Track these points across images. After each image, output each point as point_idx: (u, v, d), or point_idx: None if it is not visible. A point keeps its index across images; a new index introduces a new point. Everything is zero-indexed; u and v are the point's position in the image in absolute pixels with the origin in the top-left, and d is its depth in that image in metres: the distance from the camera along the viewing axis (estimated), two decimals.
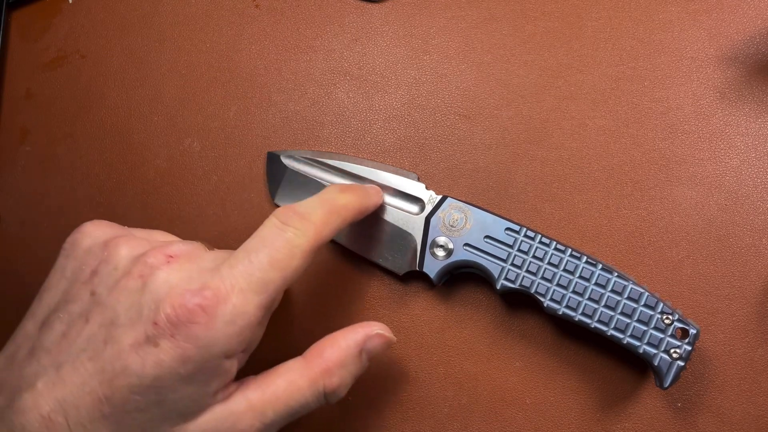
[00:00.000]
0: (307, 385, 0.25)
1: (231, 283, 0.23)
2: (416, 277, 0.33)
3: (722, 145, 0.32)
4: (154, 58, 0.39)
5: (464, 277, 0.33)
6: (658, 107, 0.33)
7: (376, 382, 0.33)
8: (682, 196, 0.32)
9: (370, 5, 0.37)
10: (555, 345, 0.32)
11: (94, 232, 0.27)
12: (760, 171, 0.32)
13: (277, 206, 0.35)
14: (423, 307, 0.33)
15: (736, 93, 0.33)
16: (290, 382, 0.25)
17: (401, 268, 0.32)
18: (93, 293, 0.24)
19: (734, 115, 0.33)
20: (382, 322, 0.33)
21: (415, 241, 0.32)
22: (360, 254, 0.33)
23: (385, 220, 0.32)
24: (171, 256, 0.24)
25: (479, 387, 0.32)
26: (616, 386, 0.31)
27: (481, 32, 0.35)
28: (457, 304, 0.33)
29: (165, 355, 0.22)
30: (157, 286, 0.23)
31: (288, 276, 0.24)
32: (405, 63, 0.36)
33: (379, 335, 0.27)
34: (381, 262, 0.32)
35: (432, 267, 0.31)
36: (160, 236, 0.29)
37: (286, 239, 0.25)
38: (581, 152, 0.33)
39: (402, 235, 0.32)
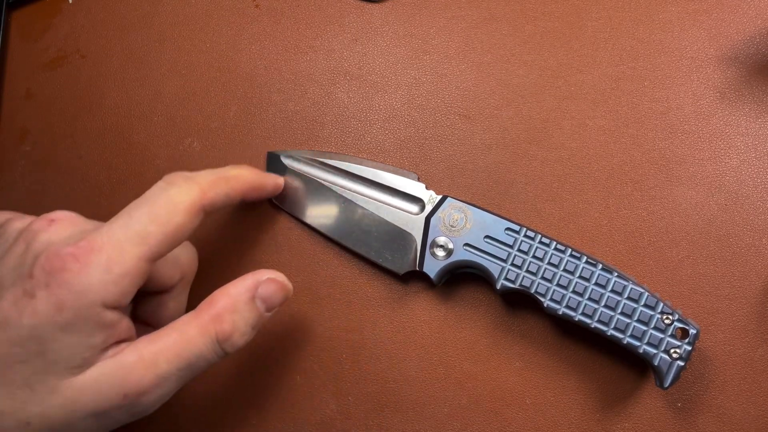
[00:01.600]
0: (198, 333, 0.25)
1: (108, 235, 0.24)
2: (416, 277, 0.33)
3: (722, 145, 0.32)
4: (154, 58, 0.39)
5: (464, 277, 0.33)
6: (658, 107, 0.33)
7: (375, 381, 0.33)
8: (682, 196, 0.32)
9: (370, 5, 0.37)
10: (555, 345, 0.32)
11: (10, 221, 0.28)
12: (760, 171, 0.32)
13: (278, 206, 0.35)
14: (423, 307, 0.33)
15: (736, 93, 0.33)
16: (181, 333, 0.25)
17: (401, 268, 0.32)
18: None
19: (734, 115, 0.33)
20: (382, 322, 0.33)
21: (415, 241, 0.32)
22: (360, 254, 0.33)
23: (385, 220, 0.32)
24: (53, 220, 0.25)
25: (479, 387, 0.32)
26: (616, 386, 0.31)
27: (481, 32, 0.35)
28: (457, 304, 0.33)
29: (41, 304, 0.23)
30: (37, 245, 0.24)
31: (169, 231, 0.25)
32: (405, 63, 0.36)
33: (270, 280, 0.27)
34: (381, 262, 0.32)
35: (432, 267, 0.31)
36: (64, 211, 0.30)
37: (167, 196, 0.25)
38: (581, 152, 0.33)
39: (402, 235, 0.32)
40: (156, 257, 0.25)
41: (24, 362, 0.23)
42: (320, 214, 0.34)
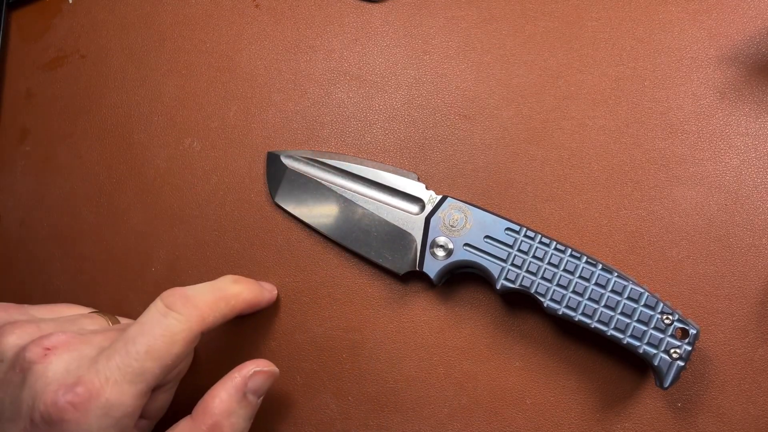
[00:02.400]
0: None
1: (105, 376, 0.23)
2: (416, 277, 0.33)
3: (722, 145, 0.32)
4: (154, 58, 0.39)
5: (464, 277, 0.33)
6: (658, 107, 0.33)
7: (375, 381, 0.33)
8: (682, 196, 0.32)
9: (370, 5, 0.37)
10: (555, 345, 0.32)
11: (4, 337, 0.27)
12: (760, 171, 0.32)
13: (278, 206, 0.35)
14: (423, 307, 0.33)
15: (736, 93, 0.33)
16: None
17: (401, 268, 0.32)
18: None
19: (734, 115, 0.33)
20: (382, 322, 0.33)
21: (415, 241, 0.32)
22: (360, 254, 0.33)
23: (385, 220, 0.32)
24: (48, 348, 0.25)
25: (479, 387, 0.32)
26: (616, 386, 0.31)
27: (481, 32, 0.35)
28: (457, 304, 0.33)
29: None
30: (33, 381, 0.24)
31: (167, 363, 0.25)
32: (405, 63, 0.36)
33: (257, 372, 0.28)
34: (381, 262, 0.32)
35: (432, 267, 0.31)
36: (62, 310, 0.29)
37: (166, 326, 0.25)
38: (581, 152, 0.33)
39: (402, 235, 0.32)
40: (153, 387, 0.25)
41: None
42: (320, 214, 0.34)
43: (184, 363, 0.30)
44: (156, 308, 0.25)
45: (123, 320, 0.32)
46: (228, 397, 0.27)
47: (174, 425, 0.27)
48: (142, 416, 0.29)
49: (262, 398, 0.28)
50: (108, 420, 0.23)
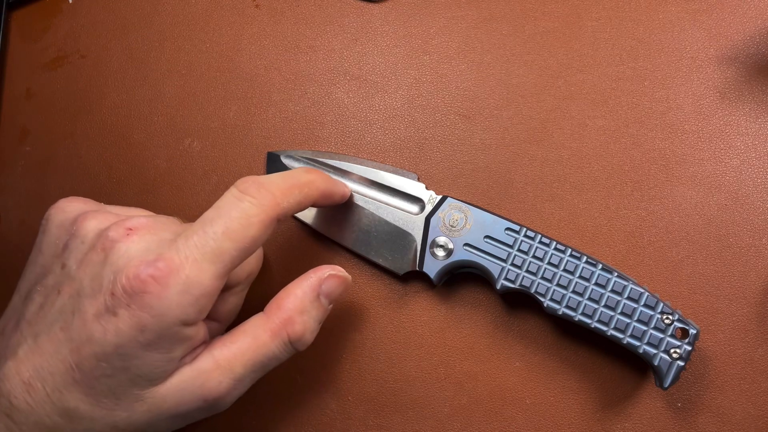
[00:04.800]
0: (270, 338, 0.26)
1: (185, 254, 0.24)
2: (416, 277, 0.33)
3: (722, 145, 0.32)
4: (154, 58, 0.39)
5: (464, 277, 0.33)
6: (658, 107, 0.33)
7: (375, 381, 0.33)
8: (682, 196, 0.32)
9: (370, 5, 0.37)
10: (555, 345, 0.32)
11: (67, 208, 0.28)
12: (760, 171, 0.32)
13: None
14: (423, 307, 0.33)
15: (736, 93, 0.33)
16: (254, 338, 0.26)
17: (401, 268, 0.32)
18: (64, 266, 0.26)
19: (734, 115, 0.33)
20: (382, 322, 0.33)
21: (415, 241, 0.32)
22: (360, 254, 0.33)
23: (385, 220, 0.32)
24: (130, 229, 0.25)
25: (479, 387, 0.32)
26: (616, 386, 0.31)
27: (481, 32, 0.35)
28: (457, 304, 0.33)
29: (123, 323, 0.23)
30: (116, 259, 0.24)
31: (245, 246, 0.25)
32: (405, 63, 0.36)
33: (332, 276, 0.28)
34: (381, 262, 0.32)
35: (432, 267, 0.31)
36: (136, 212, 0.30)
37: (242, 209, 0.25)
38: (581, 152, 0.33)
39: (402, 235, 0.32)
40: (230, 271, 0.25)
41: (109, 376, 0.24)
42: (320, 214, 0.34)
43: (254, 264, 0.31)
44: (231, 194, 0.26)
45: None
46: (303, 294, 0.27)
47: (247, 320, 0.27)
48: (213, 318, 0.29)
49: (332, 305, 0.29)
50: (187, 297, 0.24)
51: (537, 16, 0.35)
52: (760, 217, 0.31)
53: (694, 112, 0.33)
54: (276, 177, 0.27)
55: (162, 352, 0.24)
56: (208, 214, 0.25)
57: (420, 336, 0.33)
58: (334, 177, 0.33)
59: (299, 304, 0.27)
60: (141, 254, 0.24)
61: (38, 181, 0.38)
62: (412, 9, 0.36)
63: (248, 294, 0.31)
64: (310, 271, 0.28)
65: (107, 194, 0.37)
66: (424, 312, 0.33)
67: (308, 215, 0.34)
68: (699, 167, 0.32)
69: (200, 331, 0.26)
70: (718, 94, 0.33)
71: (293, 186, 0.27)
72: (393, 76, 0.36)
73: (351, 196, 0.33)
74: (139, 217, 0.26)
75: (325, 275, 0.28)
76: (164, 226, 0.26)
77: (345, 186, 0.32)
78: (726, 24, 0.33)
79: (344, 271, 0.29)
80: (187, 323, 0.24)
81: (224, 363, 0.26)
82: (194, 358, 0.26)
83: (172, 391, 0.25)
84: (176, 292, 0.23)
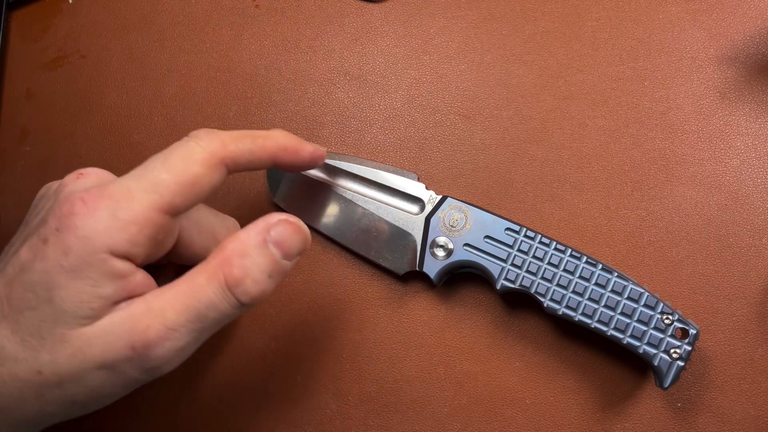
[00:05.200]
0: (205, 281, 0.24)
1: (120, 183, 0.24)
2: (416, 277, 0.33)
3: (722, 145, 0.32)
4: (154, 58, 0.39)
5: (464, 277, 0.33)
6: (658, 107, 0.33)
7: (375, 381, 0.33)
8: (682, 196, 0.32)
9: (370, 5, 0.37)
10: (555, 345, 0.32)
11: (49, 184, 0.28)
12: (760, 171, 0.32)
13: (277, 206, 0.35)
14: (423, 307, 0.33)
15: (736, 93, 0.33)
16: (188, 282, 0.24)
17: (401, 268, 0.32)
18: (27, 223, 0.26)
19: (734, 115, 0.33)
20: (382, 322, 0.33)
21: (415, 241, 0.32)
22: (360, 254, 0.33)
23: (385, 220, 0.32)
24: (81, 173, 0.25)
25: (479, 387, 0.32)
26: (616, 386, 0.31)
27: (481, 32, 0.35)
28: (457, 304, 0.33)
29: (50, 248, 0.23)
30: (59, 196, 0.24)
31: (184, 180, 0.24)
32: (405, 63, 0.36)
33: (282, 221, 0.25)
34: (381, 262, 0.32)
35: (432, 267, 0.31)
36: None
37: (185, 146, 0.25)
38: (581, 152, 0.33)
39: (402, 235, 0.32)
40: (172, 209, 0.24)
41: (34, 309, 0.23)
42: (320, 214, 0.34)
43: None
44: (181, 140, 0.25)
45: None
46: (246, 237, 0.25)
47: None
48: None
49: (291, 262, 0.26)
50: (116, 222, 0.23)
51: (537, 16, 0.35)
52: (760, 217, 0.31)
53: (694, 112, 0.33)
54: (232, 130, 0.27)
55: (88, 284, 0.23)
56: (154, 156, 0.25)
57: (420, 336, 0.33)
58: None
59: (240, 246, 0.25)
60: (82, 187, 0.24)
61: (38, 181, 0.38)
62: (412, 9, 0.36)
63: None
64: (260, 217, 0.26)
65: None
66: (424, 312, 0.33)
67: (308, 215, 0.34)
68: (699, 167, 0.32)
69: (137, 274, 0.24)
70: (718, 94, 0.33)
71: (245, 135, 0.26)
72: (393, 76, 0.36)
73: (348, 192, 0.33)
74: (95, 168, 0.26)
75: (275, 220, 0.25)
76: (114, 175, 0.26)
77: (318, 149, 0.29)
78: (726, 24, 0.33)
79: (300, 221, 0.26)
80: (115, 252, 0.23)
81: (156, 307, 0.23)
82: (128, 305, 0.24)
83: (98, 334, 0.23)
84: (104, 215, 0.23)
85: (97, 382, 0.23)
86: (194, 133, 0.26)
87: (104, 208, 0.23)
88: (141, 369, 0.24)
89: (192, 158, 0.24)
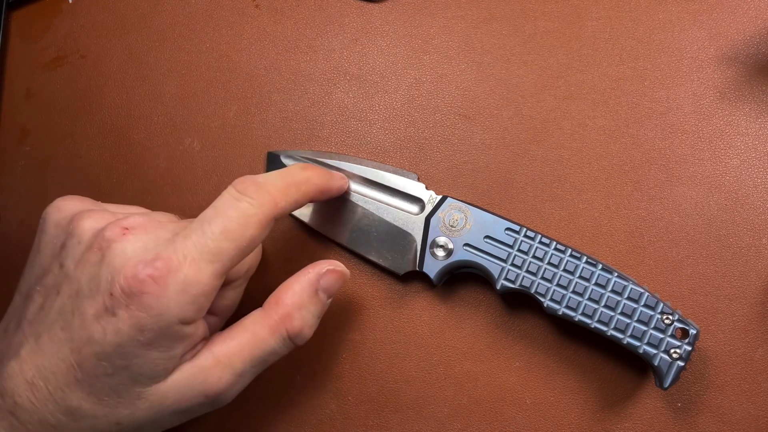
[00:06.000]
0: (269, 334, 0.27)
1: (183, 253, 0.24)
2: (416, 277, 0.33)
3: (722, 145, 0.32)
4: (154, 58, 0.39)
5: (464, 277, 0.33)
6: (658, 107, 0.33)
7: (375, 381, 0.33)
8: (682, 196, 0.32)
9: (370, 5, 0.37)
10: (555, 345, 0.32)
11: (63, 207, 0.28)
12: (760, 171, 0.32)
13: None
14: (423, 307, 0.33)
15: (736, 93, 0.33)
16: (253, 334, 0.26)
17: (401, 268, 0.32)
18: (62, 266, 0.26)
19: (734, 115, 0.33)
20: (382, 322, 0.33)
21: (415, 241, 0.32)
22: (360, 254, 0.33)
23: (385, 220, 0.32)
24: (127, 228, 0.25)
25: (479, 387, 0.32)
26: (616, 386, 0.31)
27: (481, 32, 0.35)
28: (457, 304, 0.33)
29: (122, 324, 0.23)
30: (112, 258, 0.24)
31: (243, 245, 0.25)
32: (405, 63, 0.36)
33: (330, 271, 0.28)
34: (381, 262, 0.32)
35: (432, 267, 0.31)
36: (133, 210, 0.30)
37: (240, 209, 0.25)
38: (581, 152, 0.33)
39: (402, 235, 0.32)
40: (228, 270, 0.25)
41: (110, 375, 0.24)
42: (320, 214, 0.34)
43: (253, 259, 0.31)
44: (229, 194, 0.26)
45: (191, 220, 0.32)
46: (301, 290, 0.27)
47: (245, 316, 0.27)
48: (212, 313, 0.30)
49: (331, 300, 0.29)
50: (186, 297, 0.24)
51: (537, 16, 0.35)
52: (760, 217, 0.31)
53: (694, 112, 0.33)
54: (273, 176, 0.27)
55: (162, 351, 0.24)
56: (206, 213, 0.25)
57: (420, 336, 0.33)
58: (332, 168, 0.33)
59: (297, 299, 0.27)
60: (138, 254, 0.24)
61: (38, 181, 0.38)
62: (412, 9, 0.36)
63: (247, 289, 0.31)
64: (309, 266, 0.28)
65: (107, 194, 0.37)
66: (424, 312, 0.33)
67: (308, 215, 0.34)
68: (699, 167, 0.32)
69: (199, 328, 0.26)
70: (718, 94, 0.33)
71: (290, 185, 0.27)
72: (393, 76, 0.36)
73: (349, 193, 0.33)
74: (135, 216, 0.26)
75: (324, 270, 0.28)
76: (161, 224, 0.26)
77: (342, 178, 0.32)
78: (726, 24, 0.33)
79: (342, 265, 0.29)
80: (186, 322, 0.24)
81: (224, 359, 0.26)
82: (194, 355, 0.26)
83: (173, 389, 0.25)
84: (175, 291, 0.23)
85: (170, 422, 0.26)
86: (241, 187, 0.26)
87: (173, 283, 0.24)
88: (210, 408, 0.27)
89: (248, 222, 0.25)
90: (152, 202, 0.37)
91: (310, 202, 0.30)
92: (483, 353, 0.32)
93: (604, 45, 0.34)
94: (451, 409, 0.32)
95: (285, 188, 0.27)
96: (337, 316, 0.34)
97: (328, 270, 0.28)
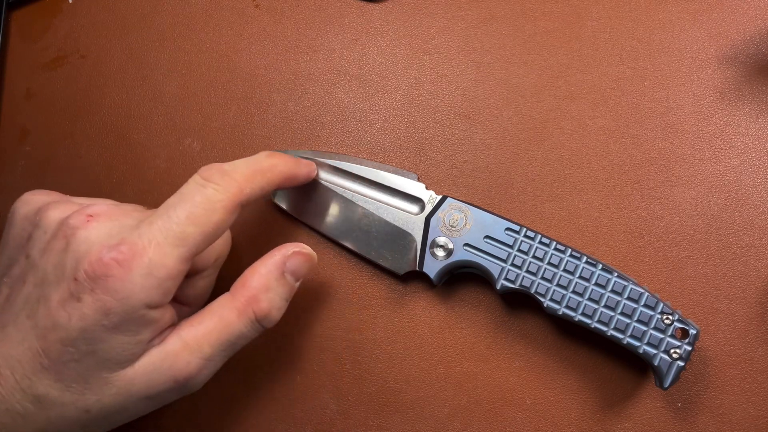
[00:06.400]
0: (236, 317, 0.27)
1: (148, 238, 0.24)
2: (416, 277, 0.33)
3: (722, 145, 0.32)
4: (154, 58, 0.39)
5: (464, 277, 0.33)
6: (658, 107, 0.33)
7: (375, 381, 0.33)
8: (682, 196, 0.32)
9: (370, 5, 0.37)
10: (555, 345, 0.32)
11: (31, 200, 0.28)
12: (760, 171, 0.32)
13: (277, 205, 0.35)
14: (423, 307, 0.33)
15: (736, 93, 0.33)
16: (221, 317, 0.27)
17: (401, 268, 0.32)
18: (28, 256, 0.26)
19: (734, 115, 0.33)
20: (382, 322, 0.33)
21: (415, 241, 0.32)
22: (360, 254, 0.33)
23: (385, 220, 0.32)
24: (91, 216, 0.25)
25: (479, 387, 0.32)
26: (616, 386, 0.31)
27: (481, 32, 0.35)
28: (457, 304, 0.33)
29: (87, 308, 0.23)
30: (77, 245, 0.24)
31: (208, 230, 0.25)
32: (405, 63, 0.36)
33: (296, 253, 0.28)
34: (381, 262, 0.32)
35: (432, 267, 0.31)
36: (102, 202, 0.30)
37: (205, 195, 0.25)
38: (581, 152, 0.33)
39: (402, 235, 0.32)
40: (195, 255, 0.25)
41: (77, 361, 0.24)
42: (320, 214, 0.34)
43: (222, 248, 0.31)
44: (194, 180, 0.26)
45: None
46: (267, 272, 0.28)
47: (213, 301, 0.27)
48: (183, 303, 0.30)
49: (299, 282, 0.29)
50: (151, 280, 0.24)
51: (537, 16, 0.35)
52: (760, 217, 0.31)
53: (694, 112, 0.33)
54: (239, 164, 0.28)
55: (129, 335, 0.24)
56: (171, 200, 0.25)
57: (420, 336, 0.33)
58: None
59: (264, 281, 0.27)
60: (102, 239, 0.24)
61: (38, 181, 0.38)
62: (412, 9, 0.36)
63: (219, 278, 0.32)
64: (275, 249, 0.28)
65: (107, 194, 0.37)
66: (424, 312, 0.33)
67: (308, 215, 0.34)
68: (699, 167, 0.32)
69: (166, 313, 0.26)
70: (718, 94, 0.33)
71: (256, 171, 0.28)
72: (393, 76, 0.36)
73: (348, 192, 0.33)
74: (99, 204, 0.26)
75: (290, 252, 0.28)
76: (125, 212, 0.26)
77: (309, 164, 0.32)
78: (726, 24, 0.33)
79: (309, 248, 0.29)
80: (152, 306, 0.24)
81: (192, 343, 0.26)
82: (162, 340, 0.26)
83: (140, 374, 0.25)
84: (140, 275, 0.24)
85: (140, 409, 0.26)
86: (207, 174, 0.26)
87: (138, 267, 0.24)
88: (179, 393, 0.26)
89: (213, 207, 0.25)
90: (152, 202, 0.37)
91: (277, 189, 0.30)
92: (483, 353, 0.32)
93: (604, 45, 0.34)
94: (451, 409, 0.32)
95: (251, 175, 0.27)
96: (337, 316, 0.34)
97: (294, 252, 0.28)
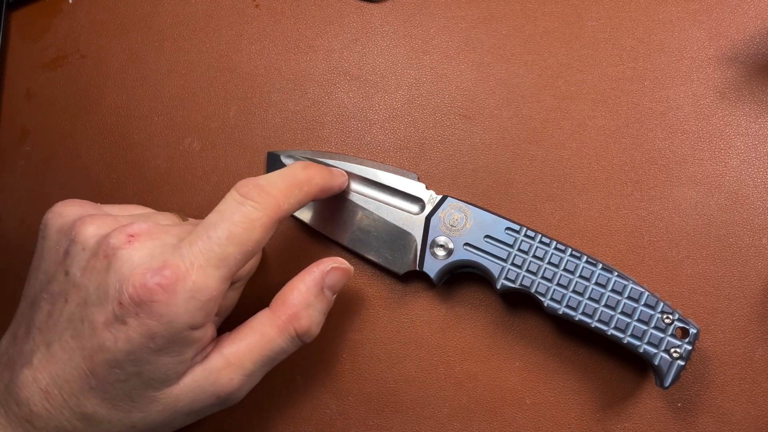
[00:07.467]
0: (277, 334, 0.27)
1: (190, 260, 0.24)
2: (416, 277, 0.33)
3: (722, 145, 0.32)
4: (154, 58, 0.39)
5: (464, 277, 0.33)
6: (658, 107, 0.33)
7: (375, 381, 0.33)
8: (682, 196, 0.32)
9: (370, 5, 0.37)
10: (555, 345, 0.32)
11: (64, 212, 0.28)
12: (760, 171, 0.32)
13: None
14: (423, 307, 0.33)
15: (736, 93, 0.33)
16: (262, 334, 0.27)
17: (401, 268, 0.32)
18: (67, 273, 0.26)
19: (734, 115, 0.33)
20: (382, 322, 0.33)
21: (416, 240, 0.32)
22: (360, 254, 0.33)
23: (385, 220, 0.32)
24: (132, 235, 0.25)
25: (479, 387, 0.32)
26: (616, 386, 0.31)
27: (481, 32, 0.35)
28: (457, 304, 0.33)
29: (133, 332, 0.24)
30: (119, 266, 0.24)
31: (248, 249, 0.25)
32: (405, 63, 0.36)
33: (334, 269, 0.29)
34: (381, 262, 0.32)
35: (432, 267, 0.31)
36: (134, 210, 0.30)
37: (244, 213, 0.25)
38: (581, 152, 0.33)
39: (402, 235, 0.32)
40: (234, 274, 0.26)
41: (123, 381, 0.24)
42: (320, 213, 0.34)
43: (253, 261, 0.31)
44: (232, 197, 0.26)
45: (192, 220, 0.32)
46: (306, 289, 0.28)
47: (253, 317, 0.28)
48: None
49: (335, 296, 0.29)
50: (194, 303, 0.24)
51: (537, 16, 0.35)
52: (760, 217, 0.31)
53: (694, 112, 0.33)
54: (275, 177, 0.27)
55: (173, 356, 0.24)
56: (211, 218, 0.25)
57: (420, 336, 0.33)
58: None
59: (304, 298, 0.28)
60: (145, 261, 0.24)
61: (38, 181, 0.38)
62: (412, 9, 0.36)
63: (248, 287, 0.32)
64: (313, 265, 0.29)
65: (107, 194, 0.37)
66: (424, 312, 0.33)
67: (308, 215, 0.34)
68: (699, 167, 0.32)
69: (208, 331, 0.26)
70: (718, 94, 0.33)
71: (293, 186, 0.28)
72: (393, 76, 0.36)
73: (348, 192, 0.33)
74: (139, 223, 0.26)
75: (328, 269, 0.28)
76: (165, 229, 0.26)
77: (342, 175, 0.32)
78: (726, 24, 0.33)
79: (345, 262, 0.29)
80: (195, 327, 0.25)
81: (234, 360, 0.26)
82: (205, 357, 0.26)
83: (185, 391, 0.25)
84: (184, 299, 0.24)
85: (185, 422, 0.27)
86: (244, 191, 0.26)
87: (182, 291, 0.24)
88: (220, 407, 0.27)
89: (253, 226, 0.25)
90: (152, 202, 0.37)
91: (313, 200, 0.30)
92: (483, 353, 0.32)
93: (604, 45, 0.34)
94: (451, 409, 0.32)
95: (288, 189, 0.27)
96: (337, 316, 0.34)
97: (332, 268, 0.29)
